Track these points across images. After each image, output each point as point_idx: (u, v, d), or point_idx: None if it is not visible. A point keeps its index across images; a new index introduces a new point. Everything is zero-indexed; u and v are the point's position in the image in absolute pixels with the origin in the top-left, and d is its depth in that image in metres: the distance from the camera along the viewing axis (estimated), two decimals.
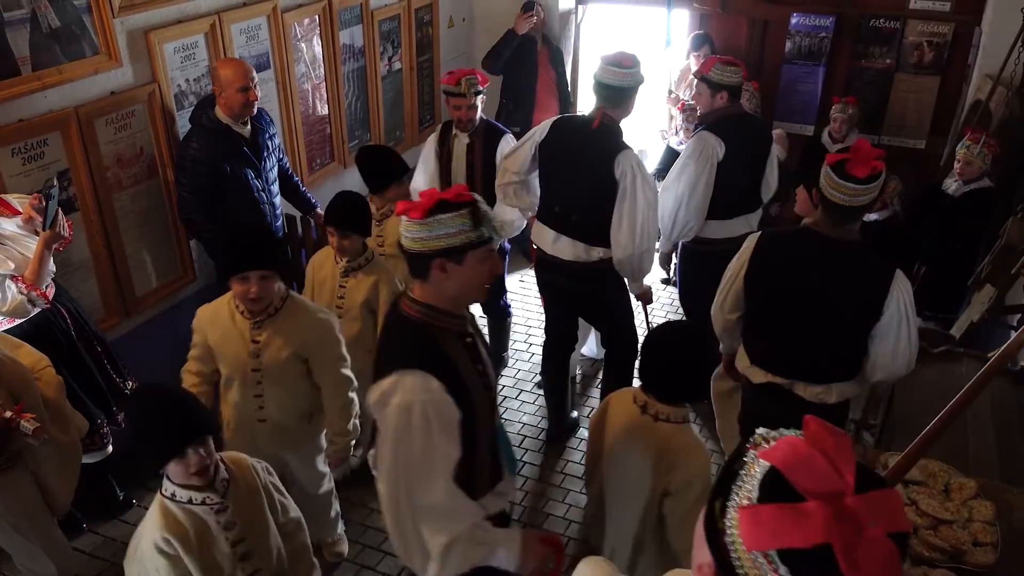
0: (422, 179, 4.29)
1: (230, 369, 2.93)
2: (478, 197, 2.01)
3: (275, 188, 4.09)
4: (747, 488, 0.99)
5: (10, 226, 3.05)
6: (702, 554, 1.04)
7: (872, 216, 4.60)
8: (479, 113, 4.17)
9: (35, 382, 2.69)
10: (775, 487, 0.97)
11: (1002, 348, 1.98)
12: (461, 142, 4.24)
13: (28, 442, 2.56)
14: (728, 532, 0.99)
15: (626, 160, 3.43)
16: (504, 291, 4.81)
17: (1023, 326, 3.49)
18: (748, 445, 1.03)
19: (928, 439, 2.01)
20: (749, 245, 2.92)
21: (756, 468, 1.00)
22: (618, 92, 3.51)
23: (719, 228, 4.06)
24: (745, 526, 0.96)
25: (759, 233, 3.00)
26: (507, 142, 4.19)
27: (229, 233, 2.98)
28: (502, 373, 4.82)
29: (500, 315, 4.84)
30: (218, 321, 2.89)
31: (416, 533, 2.01)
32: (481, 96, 4.11)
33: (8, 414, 2.43)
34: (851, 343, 2.75)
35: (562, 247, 3.68)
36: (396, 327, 2.11)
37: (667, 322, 2.73)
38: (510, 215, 4.09)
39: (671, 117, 5.70)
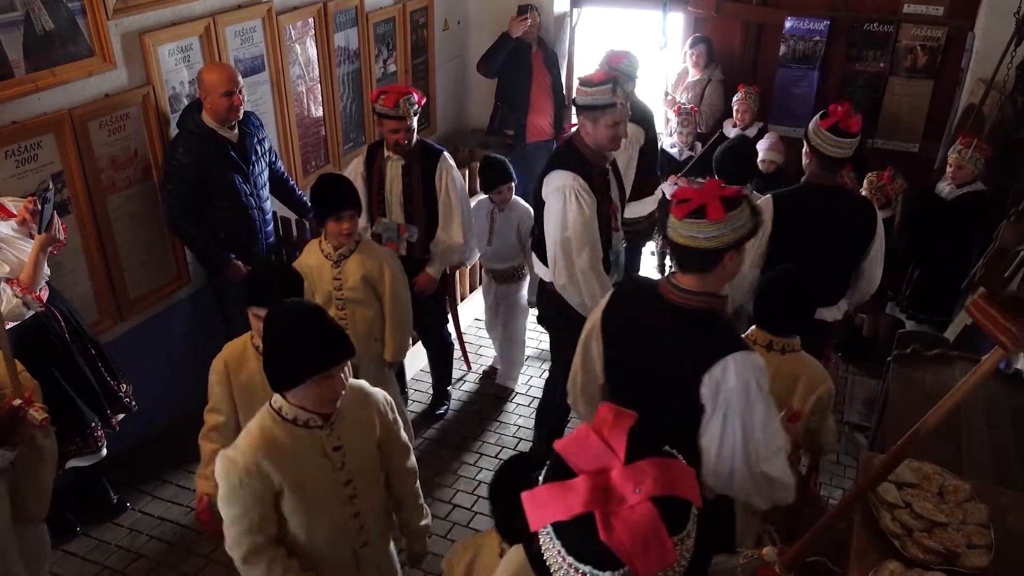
0: None
1: (320, 499, 2.23)
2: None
3: (264, 193, 4.06)
4: (540, 479, 1.07)
5: (5, 229, 3.04)
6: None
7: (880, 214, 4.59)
8: (415, 134, 3.84)
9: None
10: (556, 470, 1.05)
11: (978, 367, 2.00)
12: (395, 165, 3.88)
13: (33, 433, 2.51)
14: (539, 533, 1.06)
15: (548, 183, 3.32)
16: (445, 320, 4.48)
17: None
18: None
19: (904, 447, 2.03)
20: (768, 208, 3.29)
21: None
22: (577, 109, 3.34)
23: (639, 208, 4.37)
24: (527, 509, 1.03)
25: (769, 197, 3.35)
26: (446, 162, 3.89)
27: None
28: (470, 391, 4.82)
29: (441, 348, 4.48)
30: (294, 451, 2.14)
31: (766, 481, 2.17)
32: (417, 116, 3.80)
33: (17, 402, 2.40)
34: (855, 265, 3.36)
35: None
36: (684, 320, 2.21)
37: (780, 269, 2.88)
38: (457, 239, 3.94)
39: (667, 120, 5.71)
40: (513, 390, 4.70)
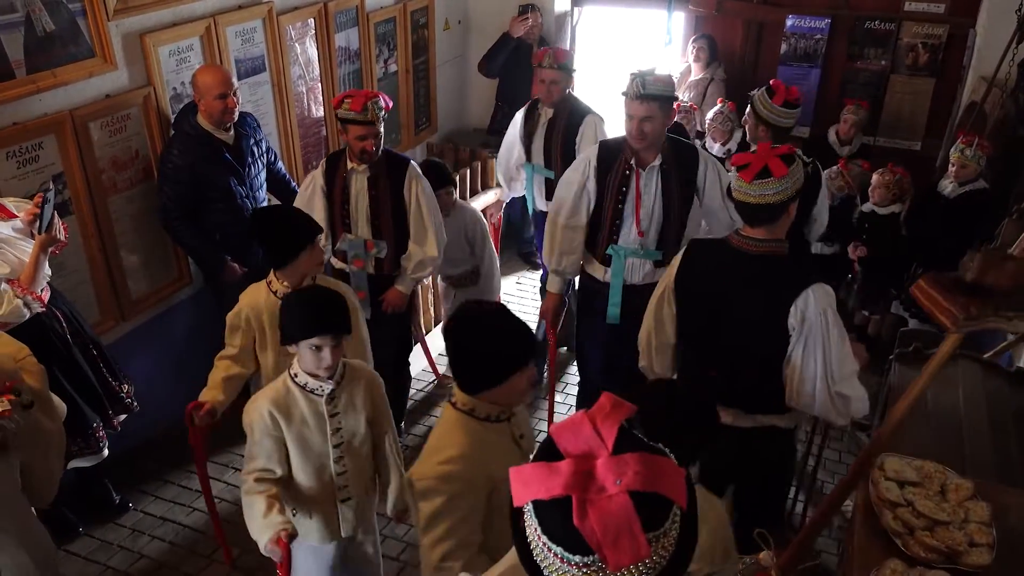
0: None
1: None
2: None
3: (261, 195, 4.06)
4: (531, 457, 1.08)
5: (5, 230, 3.05)
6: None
7: (888, 210, 4.58)
8: (382, 141, 3.62)
9: (20, 371, 2.67)
10: (546, 450, 1.06)
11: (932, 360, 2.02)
12: (361, 177, 3.63)
13: (2, 423, 2.51)
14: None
15: None
16: (408, 355, 4.29)
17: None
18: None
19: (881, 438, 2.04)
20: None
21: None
22: None
23: None
24: (512, 485, 1.05)
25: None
26: (414, 171, 3.69)
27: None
28: None
29: (400, 388, 4.16)
30: (498, 446, 2.19)
31: (842, 401, 2.53)
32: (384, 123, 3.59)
33: None
34: (807, 214, 3.71)
35: None
36: (760, 265, 2.56)
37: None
38: (431, 253, 3.76)
39: None
40: None
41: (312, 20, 4.65)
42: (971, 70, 4.85)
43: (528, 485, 1.03)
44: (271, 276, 2.97)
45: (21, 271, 2.99)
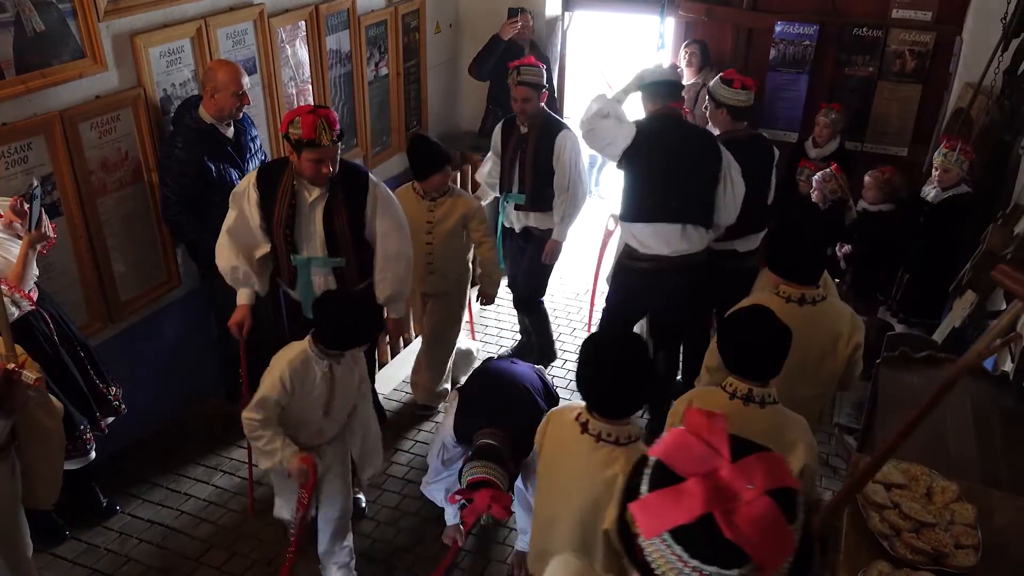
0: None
1: None
2: None
3: None
4: (643, 488, 1.06)
5: None
6: (631, 569, 1.10)
7: (877, 208, 4.62)
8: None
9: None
10: (660, 476, 1.04)
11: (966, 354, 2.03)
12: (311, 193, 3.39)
13: (29, 394, 2.52)
14: (638, 535, 1.04)
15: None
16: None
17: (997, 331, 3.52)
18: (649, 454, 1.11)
19: (891, 447, 2.05)
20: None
21: (648, 468, 1.07)
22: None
23: None
24: (638, 518, 1.02)
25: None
26: (375, 184, 3.48)
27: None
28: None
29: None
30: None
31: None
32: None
33: (11, 365, 2.42)
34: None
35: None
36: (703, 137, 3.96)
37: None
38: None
39: None
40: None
41: (303, 22, 4.65)
42: (957, 77, 4.90)
43: (661, 514, 0.99)
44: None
45: (8, 270, 2.98)
